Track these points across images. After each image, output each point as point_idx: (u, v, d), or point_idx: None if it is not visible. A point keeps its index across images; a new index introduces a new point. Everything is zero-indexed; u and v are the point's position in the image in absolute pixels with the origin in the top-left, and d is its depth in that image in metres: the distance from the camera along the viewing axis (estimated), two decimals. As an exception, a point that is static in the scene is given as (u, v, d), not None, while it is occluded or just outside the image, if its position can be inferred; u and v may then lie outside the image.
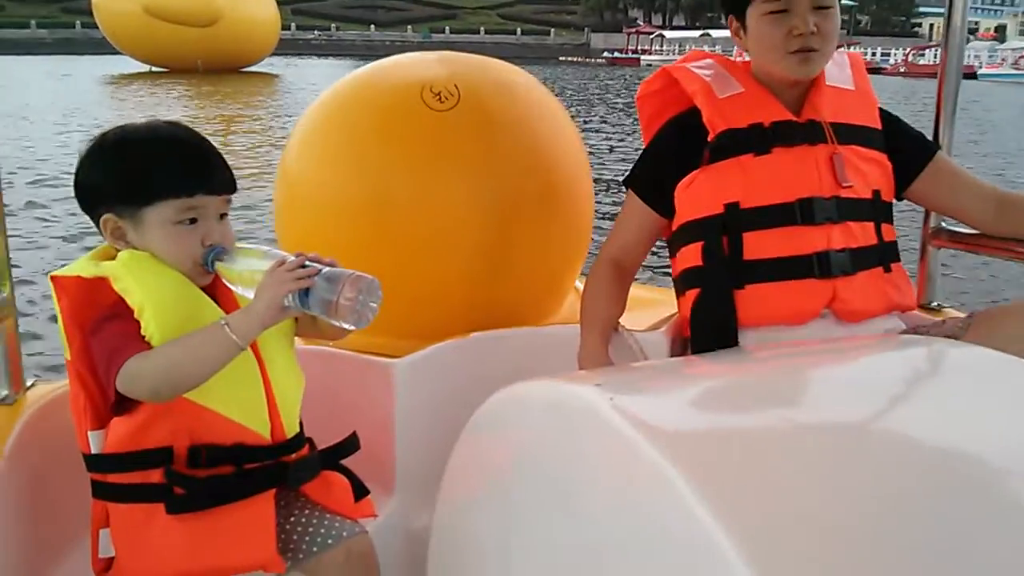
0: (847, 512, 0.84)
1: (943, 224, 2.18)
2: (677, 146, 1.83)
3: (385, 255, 2.01)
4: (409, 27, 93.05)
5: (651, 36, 67.78)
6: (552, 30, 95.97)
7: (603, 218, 5.72)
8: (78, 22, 76.78)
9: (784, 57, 1.77)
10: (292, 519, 1.51)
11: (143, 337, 1.35)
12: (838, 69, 1.87)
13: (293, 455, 1.49)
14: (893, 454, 0.93)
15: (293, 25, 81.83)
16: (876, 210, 1.79)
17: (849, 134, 1.79)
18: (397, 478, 1.96)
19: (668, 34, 67.84)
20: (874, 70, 52.46)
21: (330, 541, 1.49)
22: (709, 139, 1.77)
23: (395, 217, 2.02)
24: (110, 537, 1.42)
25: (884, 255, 1.80)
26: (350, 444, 1.57)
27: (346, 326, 1.33)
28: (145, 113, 20.06)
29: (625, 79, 41.71)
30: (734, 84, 1.82)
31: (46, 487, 1.64)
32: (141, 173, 1.40)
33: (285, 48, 53.06)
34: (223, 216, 1.46)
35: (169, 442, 1.38)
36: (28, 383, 1.76)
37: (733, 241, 1.74)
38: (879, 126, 1.84)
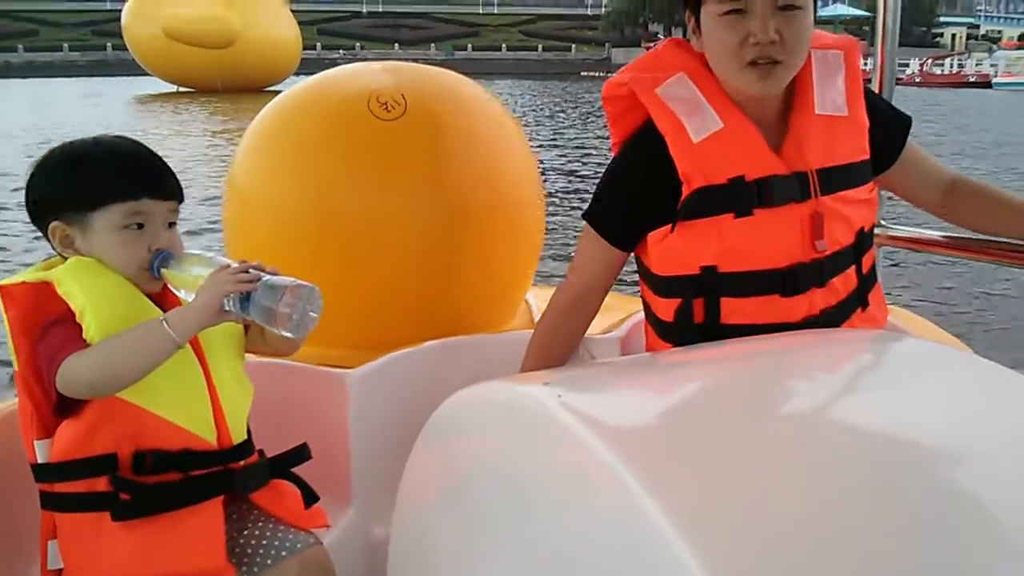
0: (796, 505, 0.84)
1: (882, 222, 2.14)
2: (646, 188, 1.63)
3: (334, 266, 2.03)
4: (432, 45, 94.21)
5: (671, 50, 68.39)
6: (573, 46, 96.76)
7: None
8: (109, 44, 78.43)
9: (740, 70, 1.55)
10: (245, 532, 1.50)
11: (84, 341, 1.36)
12: (830, 82, 1.64)
13: (241, 462, 1.48)
14: (842, 446, 0.94)
15: (318, 45, 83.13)
16: (859, 249, 1.67)
17: (837, 179, 1.61)
18: (353, 489, 1.95)
19: (689, 48, 68.26)
20: (890, 80, 52.39)
21: (284, 552, 1.49)
22: (683, 194, 1.57)
23: (343, 228, 2.03)
24: (58, 548, 1.41)
25: (863, 292, 1.70)
26: (300, 453, 1.57)
27: (285, 334, 1.34)
28: (171, 129, 20.98)
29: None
30: (710, 115, 1.58)
31: (1, 504, 1.62)
32: (88, 179, 1.43)
33: (310, 67, 53.52)
34: (171, 225, 1.47)
35: (114, 448, 1.37)
36: None
37: (709, 303, 1.61)
38: (868, 153, 1.65)
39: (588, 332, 1.97)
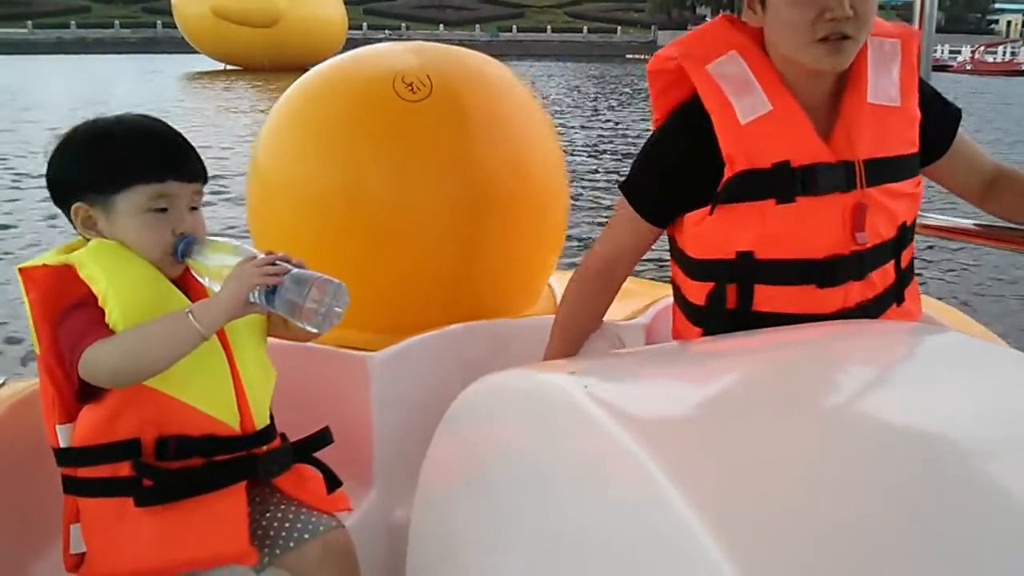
0: (826, 500, 0.83)
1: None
2: (686, 164, 1.60)
3: (357, 248, 2.02)
4: (477, 26, 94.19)
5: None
6: (619, 28, 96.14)
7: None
8: (159, 22, 79.54)
9: (810, 45, 1.52)
10: (268, 515, 1.50)
11: (107, 325, 1.35)
12: (885, 71, 1.60)
13: (264, 447, 1.48)
14: (871, 441, 0.93)
15: (364, 25, 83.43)
16: (899, 243, 1.64)
17: (884, 170, 1.57)
18: (375, 472, 1.95)
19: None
20: (940, 67, 51.57)
21: (306, 536, 1.49)
22: (725, 176, 1.54)
23: (367, 209, 2.01)
24: (81, 532, 1.41)
25: (900, 287, 1.67)
26: (323, 437, 1.56)
27: (309, 328, 1.34)
28: (219, 107, 21.42)
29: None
30: (760, 96, 1.55)
31: (19, 485, 1.62)
32: (112, 160, 1.41)
33: (355, 47, 54.46)
34: (195, 208, 1.45)
35: (137, 433, 1.37)
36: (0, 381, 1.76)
37: (743, 289, 1.59)
38: (917, 147, 1.62)
39: (613, 318, 1.98)
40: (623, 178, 1.73)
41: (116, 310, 1.36)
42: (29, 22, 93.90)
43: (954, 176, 1.76)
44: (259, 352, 1.52)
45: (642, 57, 68.70)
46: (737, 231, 1.57)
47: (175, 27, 40.95)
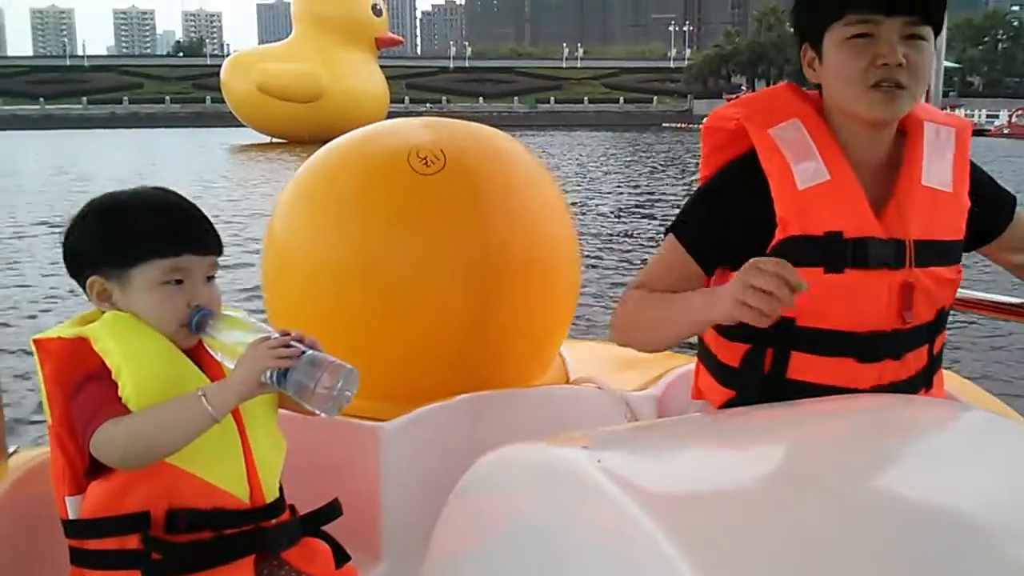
0: None
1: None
2: (739, 211, 1.61)
3: (371, 317, 2.05)
4: (516, 98, 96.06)
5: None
6: (655, 98, 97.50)
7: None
8: (208, 97, 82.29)
9: (864, 92, 1.54)
10: None
11: (120, 399, 1.35)
12: (939, 156, 1.63)
13: (273, 520, 1.47)
14: (891, 520, 0.92)
15: (407, 98, 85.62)
16: (935, 327, 1.65)
17: (933, 254, 1.59)
18: (383, 544, 1.93)
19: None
20: (978, 132, 51.52)
21: None
22: (775, 238, 1.56)
23: (382, 280, 2.04)
24: None
25: (930, 371, 1.68)
26: (332, 510, 1.55)
27: (318, 412, 1.34)
28: (264, 177, 22.21)
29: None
30: (818, 164, 1.57)
31: (28, 555, 1.62)
32: (128, 234, 1.42)
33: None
34: (210, 278, 1.46)
35: (146, 506, 1.36)
36: (10, 450, 1.76)
37: (779, 354, 1.59)
38: (963, 235, 1.64)
39: (624, 387, 2.00)
40: (671, 223, 1.71)
41: (129, 384, 1.36)
42: (84, 98, 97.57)
43: (1008, 255, 1.76)
44: (270, 424, 1.52)
45: (677, 125, 69.48)
46: None
47: (223, 102, 42.53)
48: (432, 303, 2.06)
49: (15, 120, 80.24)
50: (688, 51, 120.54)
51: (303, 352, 1.35)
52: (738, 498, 0.98)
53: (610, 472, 0.98)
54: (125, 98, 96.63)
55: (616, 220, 14.71)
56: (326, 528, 1.55)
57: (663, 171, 25.53)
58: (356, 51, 39.92)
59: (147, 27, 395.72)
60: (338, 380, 1.33)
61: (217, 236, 1.49)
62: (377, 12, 41.33)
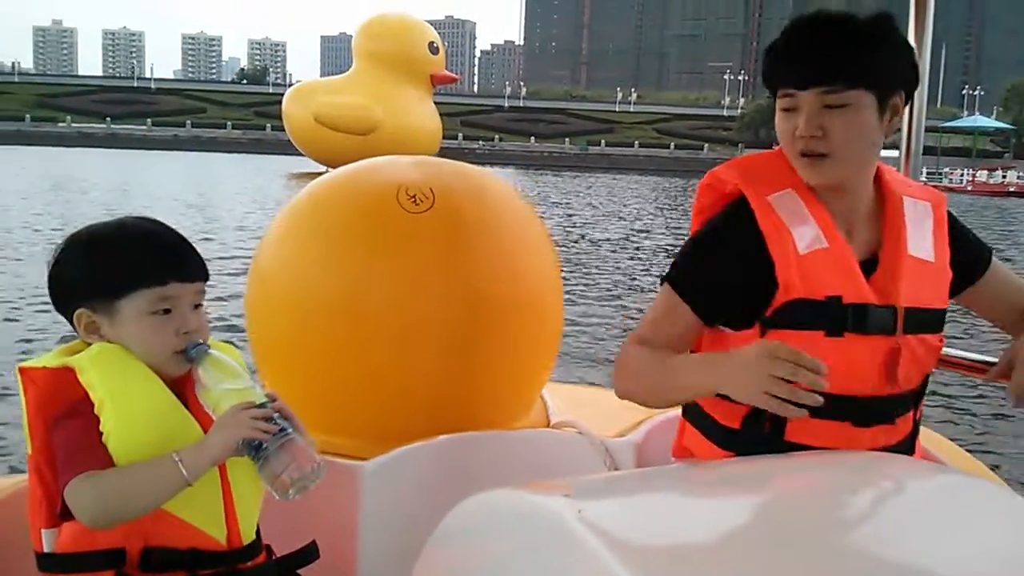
0: None
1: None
2: (741, 269, 1.62)
3: (355, 355, 2.05)
4: (567, 139, 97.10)
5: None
6: (706, 145, 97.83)
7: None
8: (268, 125, 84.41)
9: (796, 159, 1.63)
10: None
11: (101, 435, 1.34)
12: (920, 227, 1.68)
13: (249, 563, 1.46)
14: (850, 569, 0.93)
15: (460, 135, 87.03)
16: (920, 393, 1.69)
17: (920, 321, 1.63)
18: None
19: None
20: (1016, 194, 51.30)
21: None
22: (778, 299, 1.59)
23: (366, 317, 2.04)
24: None
25: (914, 436, 1.71)
26: (309, 552, 1.54)
27: (276, 495, 1.35)
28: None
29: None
30: (816, 231, 1.61)
31: None
32: (114, 265, 1.42)
33: (451, 156, 56.81)
34: (198, 306, 1.46)
35: (123, 543, 1.35)
36: None
37: (777, 416, 1.56)
38: (946, 304, 1.70)
39: (603, 433, 2.03)
40: (666, 273, 1.73)
41: (111, 420, 1.35)
42: (149, 120, 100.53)
43: (985, 306, 1.81)
44: (250, 466, 1.49)
45: (727, 174, 69.72)
46: None
47: (283, 130, 43.85)
48: (416, 341, 2.06)
49: (81, 138, 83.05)
50: (742, 100, 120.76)
51: (281, 430, 1.36)
52: (720, 554, 0.96)
53: (591, 523, 0.97)
54: (188, 122, 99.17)
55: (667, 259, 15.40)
56: (302, 570, 1.55)
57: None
58: (412, 87, 40.92)
59: (214, 53, 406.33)
60: (305, 474, 1.35)
61: (203, 263, 1.50)
62: (434, 50, 42.42)
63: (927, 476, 1.36)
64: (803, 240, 1.61)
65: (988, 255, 1.80)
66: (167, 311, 1.43)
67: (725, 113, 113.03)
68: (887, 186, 1.72)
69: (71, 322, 1.46)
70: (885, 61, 1.60)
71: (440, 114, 43.62)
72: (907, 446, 1.69)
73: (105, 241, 1.46)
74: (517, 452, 2.05)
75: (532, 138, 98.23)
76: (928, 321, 1.66)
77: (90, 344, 1.45)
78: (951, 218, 1.75)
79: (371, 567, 1.91)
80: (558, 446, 2.10)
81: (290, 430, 1.38)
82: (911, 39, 2.20)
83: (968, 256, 1.76)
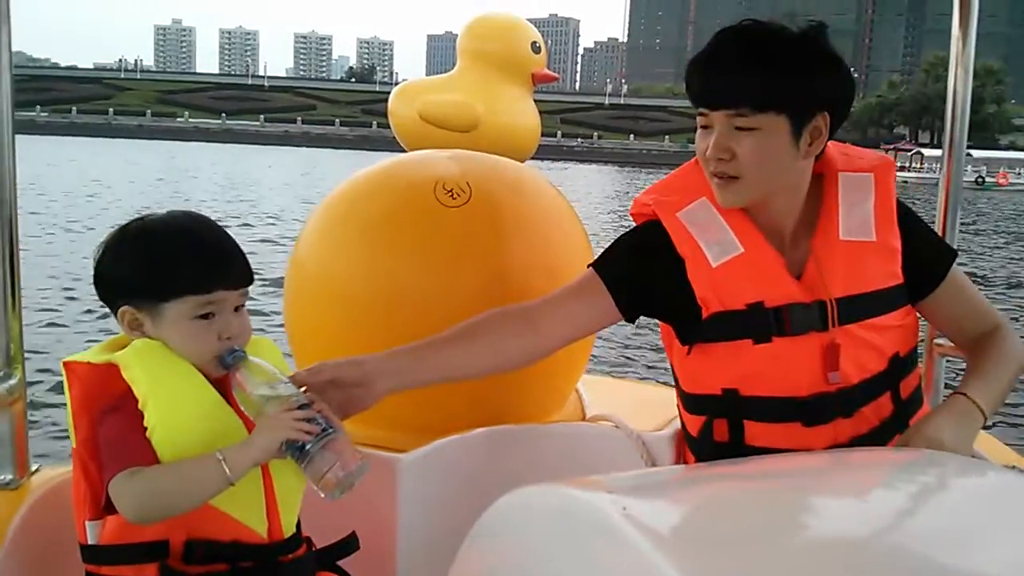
0: None
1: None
2: (666, 282, 1.66)
3: (391, 346, 2.02)
4: (667, 137, 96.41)
5: (910, 153, 66.81)
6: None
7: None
8: (375, 122, 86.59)
9: (709, 177, 1.60)
10: None
11: (145, 429, 1.36)
12: (857, 206, 1.61)
13: (290, 555, 1.48)
14: (896, 569, 0.91)
15: (559, 133, 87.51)
16: (893, 375, 1.61)
17: (863, 307, 1.58)
18: None
19: (927, 152, 66.14)
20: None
21: None
22: (702, 317, 1.61)
23: (404, 311, 2.05)
24: None
25: (902, 416, 1.63)
26: (349, 544, 1.56)
27: (321, 494, 1.37)
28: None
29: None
30: (730, 239, 1.60)
31: (48, 574, 1.63)
32: (161, 269, 1.42)
33: (549, 153, 58.05)
34: (239, 308, 1.47)
35: (166, 535, 1.37)
36: (33, 468, 1.78)
37: (733, 424, 1.62)
38: (900, 278, 1.61)
39: (642, 428, 2.04)
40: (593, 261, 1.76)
41: (155, 415, 1.37)
42: (262, 116, 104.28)
43: (942, 320, 1.70)
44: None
45: (833, 174, 68.00)
46: (719, 369, 1.61)
47: (388, 127, 45.15)
48: None
49: (197, 132, 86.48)
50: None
51: (324, 430, 1.37)
52: (769, 550, 0.95)
53: (636, 520, 0.96)
54: (299, 118, 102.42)
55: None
56: (341, 562, 1.56)
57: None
58: (513, 85, 41.33)
59: (324, 52, 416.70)
60: (350, 472, 1.36)
61: (248, 267, 1.48)
62: (536, 49, 42.53)
63: (979, 474, 1.30)
64: (714, 252, 1.60)
65: (947, 263, 1.69)
66: (210, 315, 1.43)
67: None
68: (828, 167, 1.65)
69: (114, 315, 1.47)
70: (802, 83, 1.54)
71: (540, 111, 44.20)
72: (889, 431, 1.61)
73: (153, 241, 1.45)
74: (554, 446, 2.06)
75: (632, 135, 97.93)
76: (876, 303, 1.59)
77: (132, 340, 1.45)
78: (907, 215, 1.66)
79: (410, 559, 1.93)
80: (595, 440, 2.10)
81: (331, 429, 1.38)
82: (954, 36, 2.15)
83: (926, 263, 1.65)
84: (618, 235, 1.81)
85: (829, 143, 1.66)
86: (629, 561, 0.90)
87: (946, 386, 2.12)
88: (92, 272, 1.47)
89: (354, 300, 2.10)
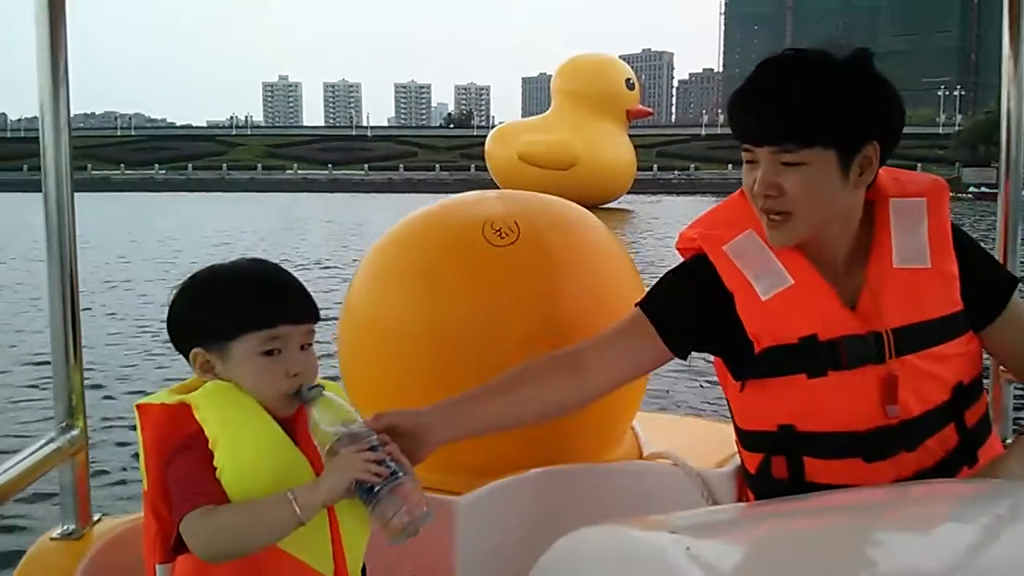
0: None
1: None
2: (704, 301, 1.64)
3: (445, 388, 2.01)
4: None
5: None
6: (919, 165, 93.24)
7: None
8: (472, 166, 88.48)
9: (759, 214, 1.56)
10: None
11: (215, 469, 1.38)
12: (910, 232, 1.55)
13: None
14: None
15: (655, 166, 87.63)
16: (957, 405, 1.55)
17: (921, 336, 1.52)
18: None
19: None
20: None
21: None
22: (755, 352, 1.57)
23: (455, 351, 2.07)
24: None
25: (969, 447, 1.57)
26: None
27: (387, 538, 1.39)
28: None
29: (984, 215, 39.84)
30: (779, 272, 1.56)
31: None
32: (224, 308, 1.46)
33: (645, 187, 58.31)
34: (308, 346, 1.49)
35: None
36: (95, 518, 1.79)
37: (792, 461, 1.59)
38: (959, 305, 1.54)
39: (703, 464, 2.01)
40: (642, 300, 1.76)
41: (224, 456, 1.39)
42: (366, 165, 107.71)
43: (1002, 347, 1.61)
44: (357, 501, 1.50)
45: (943, 195, 66.25)
46: (774, 405, 1.57)
47: (486, 170, 46.33)
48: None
49: (305, 183, 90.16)
50: (959, 117, 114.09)
51: (393, 473, 1.38)
52: None
53: (700, 560, 0.95)
54: (401, 165, 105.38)
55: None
56: None
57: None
58: (609, 122, 42.23)
59: (423, 100, 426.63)
60: (415, 518, 1.37)
61: (313, 304, 1.51)
62: (630, 86, 43.60)
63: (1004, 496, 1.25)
64: (763, 285, 1.57)
65: (1006, 294, 1.59)
66: (276, 351, 1.45)
67: (941, 131, 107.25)
68: (879, 193, 1.59)
69: (187, 360, 1.50)
70: (848, 114, 1.50)
71: (636, 146, 44.67)
72: (955, 463, 1.57)
73: (216, 284, 1.51)
74: (612, 484, 2.03)
75: (729, 165, 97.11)
76: (935, 331, 1.53)
77: (205, 382, 1.50)
78: (964, 239, 1.59)
79: None
80: (654, 478, 2.06)
81: (401, 473, 1.39)
82: (1005, 39, 2.06)
83: (985, 290, 1.58)
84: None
85: (880, 169, 1.60)
86: None
87: (1016, 412, 1.98)
88: (166, 320, 1.52)
89: (405, 342, 2.12)
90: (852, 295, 1.56)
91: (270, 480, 1.39)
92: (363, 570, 1.53)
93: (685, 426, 2.00)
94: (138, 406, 1.46)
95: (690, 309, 1.68)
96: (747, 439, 1.69)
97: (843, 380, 1.52)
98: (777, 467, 1.61)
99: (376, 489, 1.36)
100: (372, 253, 2.29)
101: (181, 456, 1.40)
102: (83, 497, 1.77)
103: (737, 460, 1.99)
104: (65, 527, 1.75)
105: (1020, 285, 1.67)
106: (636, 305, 1.75)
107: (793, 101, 1.49)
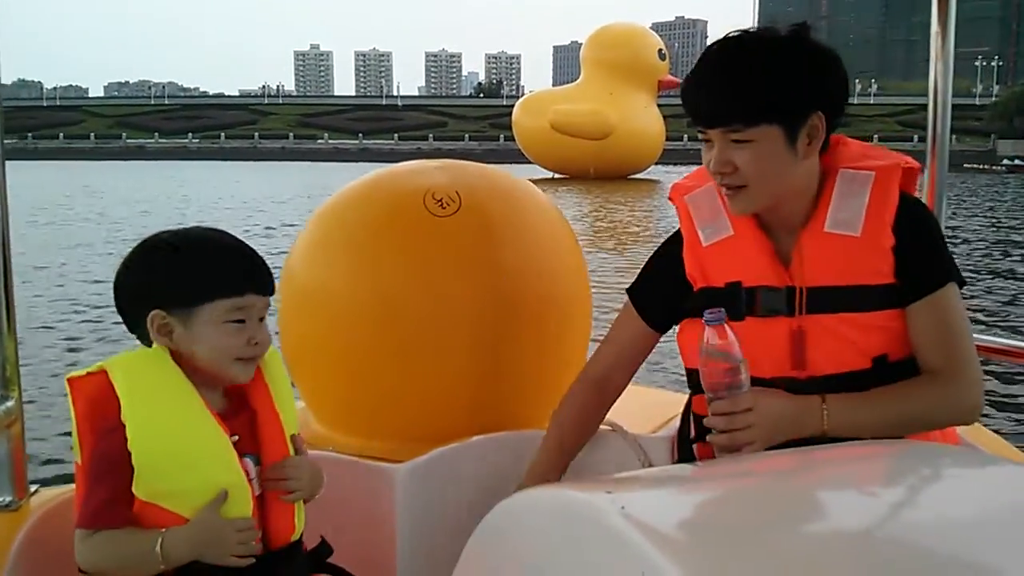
0: None
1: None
2: (671, 275, 1.76)
3: (386, 358, 2.08)
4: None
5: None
6: (954, 136, 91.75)
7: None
8: (502, 136, 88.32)
9: (720, 188, 1.65)
10: None
11: (130, 453, 1.39)
12: (849, 200, 1.61)
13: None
14: (899, 561, 0.91)
15: (685, 136, 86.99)
16: (879, 377, 1.59)
17: (839, 299, 1.58)
18: None
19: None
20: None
21: None
22: (694, 291, 1.71)
23: (396, 321, 2.07)
24: None
25: None
26: (322, 549, 1.60)
27: None
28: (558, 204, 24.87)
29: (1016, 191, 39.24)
30: (724, 223, 1.68)
31: None
32: (198, 272, 1.47)
33: (675, 157, 57.98)
34: (262, 318, 1.51)
35: None
36: (32, 489, 1.78)
37: (698, 416, 1.71)
38: (891, 279, 1.58)
39: (639, 430, 2.05)
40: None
41: (132, 425, 1.40)
42: (396, 134, 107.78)
43: (914, 334, 1.61)
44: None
45: (979, 167, 65.02)
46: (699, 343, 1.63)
47: (513, 140, 46.13)
48: (446, 343, 2.08)
49: (336, 153, 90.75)
50: (996, 87, 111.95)
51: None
52: (766, 547, 0.94)
53: (634, 519, 0.97)
54: (431, 135, 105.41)
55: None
56: (345, 567, 1.60)
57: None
58: (640, 92, 42.00)
59: (454, 69, 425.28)
60: None
61: (272, 277, 1.54)
62: (662, 56, 43.23)
63: (975, 465, 1.29)
64: (708, 233, 1.70)
65: (940, 278, 1.61)
66: (241, 321, 1.47)
67: (977, 102, 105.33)
68: (836, 164, 1.65)
69: (133, 326, 1.50)
70: (789, 89, 1.55)
71: (666, 116, 44.37)
72: None
73: (189, 247, 1.50)
74: None
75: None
76: (855, 298, 1.58)
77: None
78: (918, 221, 1.61)
79: (410, 568, 1.94)
80: (592, 443, 2.05)
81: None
82: (933, 32, 2.14)
83: (915, 272, 1.60)
84: None
85: (857, 143, 1.70)
86: (629, 559, 0.90)
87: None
88: (114, 285, 1.51)
89: (345, 310, 2.12)
90: (787, 254, 1.65)
91: (179, 452, 1.42)
92: (299, 541, 1.56)
93: (625, 393, 1.95)
94: (68, 379, 1.45)
95: (661, 278, 1.81)
96: (690, 378, 1.77)
97: (757, 326, 1.62)
98: (698, 404, 1.74)
99: None
100: (311, 222, 2.28)
101: (104, 440, 1.41)
102: (19, 468, 1.75)
103: (673, 426, 2.07)
104: (2, 498, 1.74)
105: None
106: (626, 291, 1.89)
107: (736, 83, 1.56)
